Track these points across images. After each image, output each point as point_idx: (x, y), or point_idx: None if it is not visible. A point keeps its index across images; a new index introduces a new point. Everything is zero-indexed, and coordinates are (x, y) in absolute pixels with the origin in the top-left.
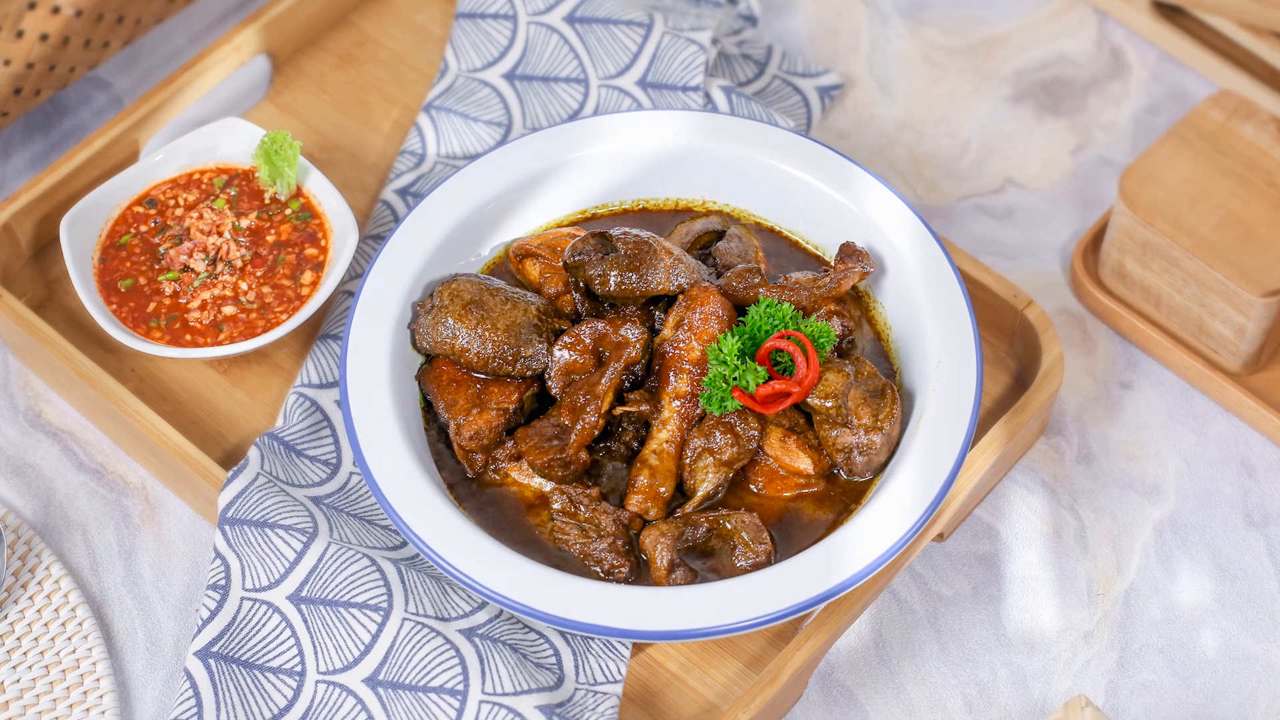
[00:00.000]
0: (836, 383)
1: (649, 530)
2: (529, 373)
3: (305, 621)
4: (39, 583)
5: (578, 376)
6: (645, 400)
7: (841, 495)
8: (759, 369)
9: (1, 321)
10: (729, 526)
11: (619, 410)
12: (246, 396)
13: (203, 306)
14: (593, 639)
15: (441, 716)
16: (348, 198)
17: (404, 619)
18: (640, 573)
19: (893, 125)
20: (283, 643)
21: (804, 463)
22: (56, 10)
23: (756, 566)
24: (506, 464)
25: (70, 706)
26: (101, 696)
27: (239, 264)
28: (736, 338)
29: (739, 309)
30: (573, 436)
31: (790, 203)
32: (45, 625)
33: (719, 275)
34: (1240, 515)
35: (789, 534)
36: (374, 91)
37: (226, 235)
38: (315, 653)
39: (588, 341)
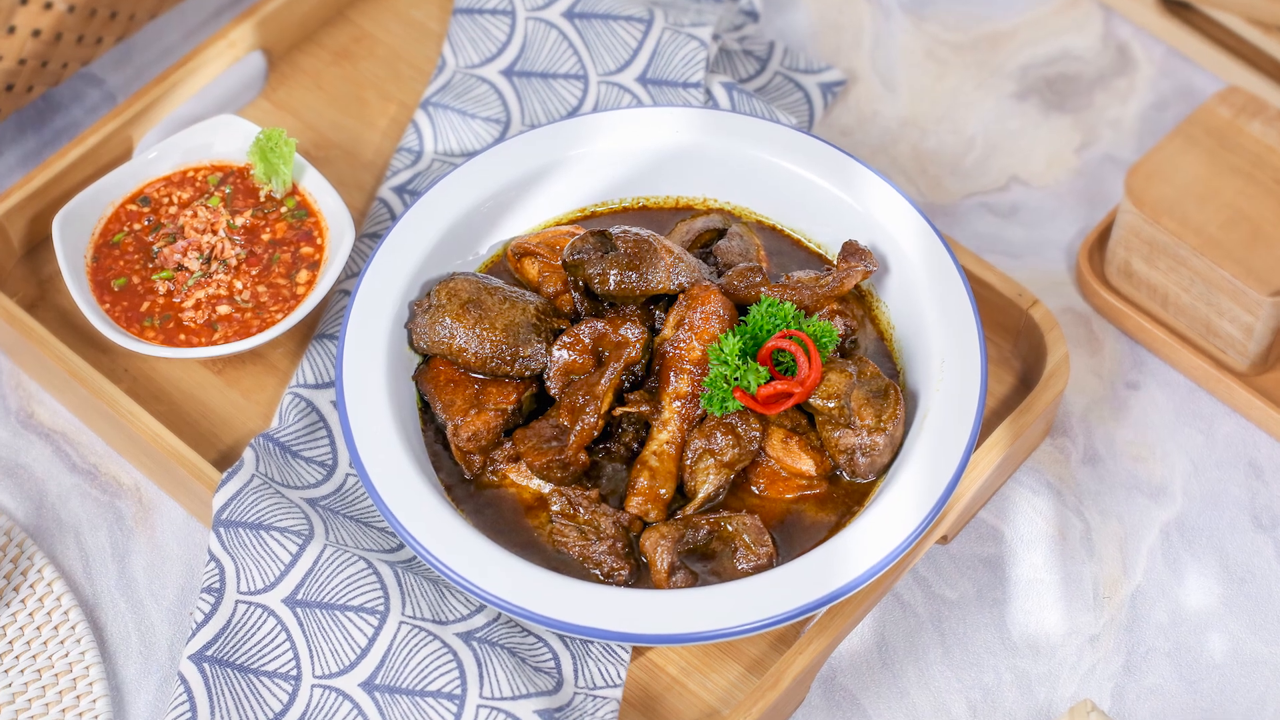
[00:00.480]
0: (839, 383)
1: (649, 532)
2: (527, 373)
3: (301, 625)
4: (31, 586)
5: (577, 377)
6: (645, 401)
7: (844, 497)
8: (760, 369)
9: None
10: (730, 529)
11: (619, 411)
12: (241, 397)
13: (197, 306)
14: (592, 643)
15: None
16: (344, 195)
17: (401, 622)
18: (640, 575)
19: (896, 122)
20: (278, 646)
21: (806, 464)
22: (49, 6)
23: (758, 569)
24: (505, 465)
25: (63, 711)
26: (94, 701)
27: (234, 263)
28: (738, 337)
29: (740, 308)
30: (572, 437)
31: (792, 200)
32: (37, 629)
33: (720, 274)
34: (1248, 517)
35: (791, 536)
36: (370, 88)
37: (221, 234)
38: (311, 656)
39: (587, 341)
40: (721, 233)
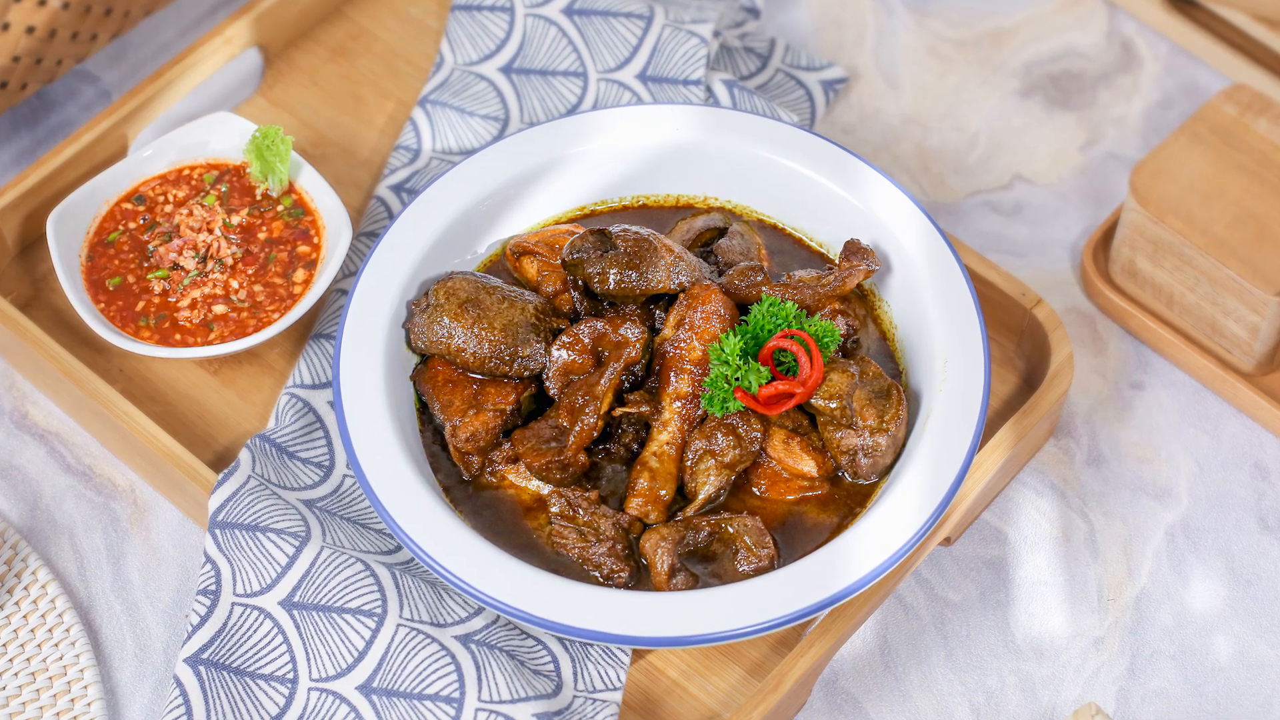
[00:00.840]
0: (841, 383)
1: (649, 534)
2: (526, 373)
3: (298, 627)
4: (25, 588)
5: (576, 377)
6: (645, 401)
7: (846, 498)
8: (762, 369)
9: None
10: (731, 530)
11: (618, 411)
12: (237, 397)
13: (193, 305)
14: (592, 645)
15: None
16: (341, 194)
17: (398, 625)
18: (640, 577)
19: (898, 120)
20: (274, 649)
21: (808, 465)
22: (43, 2)
23: (759, 571)
24: (503, 466)
25: (57, 715)
26: (89, 704)
27: (230, 262)
28: (739, 337)
29: (741, 308)
30: (571, 438)
31: (794, 199)
32: (31, 632)
33: (721, 273)
34: (1254, 519)
35: (792, 538)
36: (368, 85)
37: (217, 232)
38: (308, 659)
39: (586, 341)
40: (722, 231)
